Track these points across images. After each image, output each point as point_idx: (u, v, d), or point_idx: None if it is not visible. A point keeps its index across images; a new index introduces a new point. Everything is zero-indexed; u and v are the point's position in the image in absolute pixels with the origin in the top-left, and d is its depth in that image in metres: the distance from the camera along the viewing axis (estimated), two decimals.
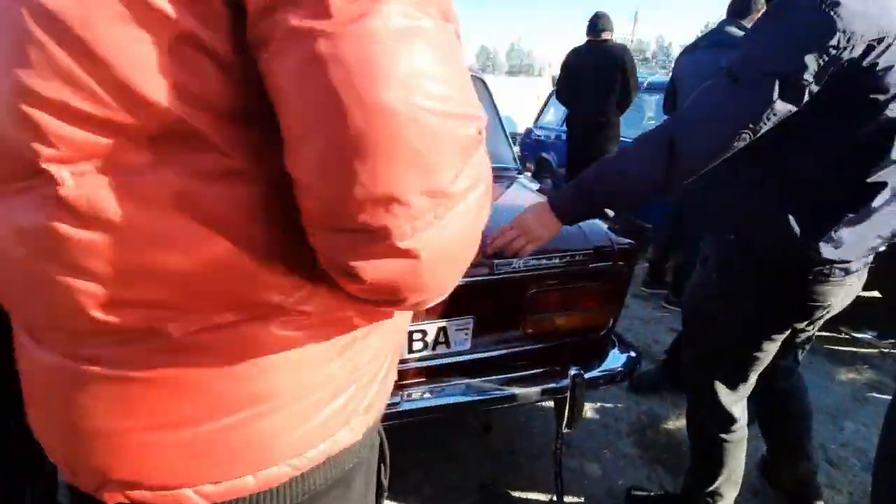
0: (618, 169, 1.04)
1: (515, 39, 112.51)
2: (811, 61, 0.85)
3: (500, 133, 2.17)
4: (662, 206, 3.22)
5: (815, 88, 0.88)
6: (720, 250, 1.21)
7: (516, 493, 1.69)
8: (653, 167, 0.98)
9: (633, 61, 3.36)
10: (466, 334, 1.31)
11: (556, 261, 1.26)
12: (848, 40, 0.84)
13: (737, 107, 0.92)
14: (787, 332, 1.20)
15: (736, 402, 1.30)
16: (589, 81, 3.36)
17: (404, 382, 1.33)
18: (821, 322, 1.20)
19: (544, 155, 5.53)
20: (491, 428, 1.67)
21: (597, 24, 3.33)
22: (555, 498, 1.63)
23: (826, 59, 0.85)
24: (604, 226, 1.42)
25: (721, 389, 1.28)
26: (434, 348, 1.30)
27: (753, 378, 1.28)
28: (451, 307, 1.26)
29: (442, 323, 1.27)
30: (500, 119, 2.18)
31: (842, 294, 1.12)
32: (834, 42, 0.84)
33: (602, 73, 3.30)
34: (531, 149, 5.95)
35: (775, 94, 0.87)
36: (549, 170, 5.48)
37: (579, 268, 1.29)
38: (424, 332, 1.27)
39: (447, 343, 1.30)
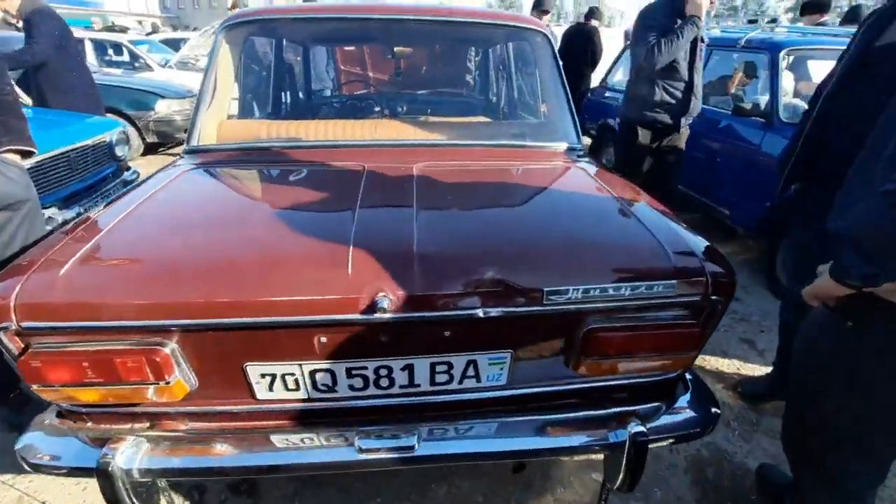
0: None
1: None
2: None
3: (563, 101, 1.79)
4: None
5: None
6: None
7: None
8: None
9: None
10: (502, 369, 1.05)
11: (626, 291, 0.96)
12: None
13: None
14: None
15: (863, 492, 0.99)
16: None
17: (423, 417, 1.11)
18: None
19: (608, 121, 4.94)
20: (524, 467, 1.44)
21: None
22: None
23: None
24: (698, 242, 1.09)
25: (840, 474, 0.98)
26: (461, 381, 1.06)
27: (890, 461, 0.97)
28: (485, 339, 1.01)
29: (471, 356, 1.02)
30: (563, 83, 1.80)
31: None
32: None
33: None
34: (594, 111, 5.35)
35: None
36: (611, 138, 4.91)
37: (656, 301, 0.98)
38: (450, 365, 1.03)
39: (477, 377, 1.06)
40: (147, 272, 0.92)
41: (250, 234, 1.05)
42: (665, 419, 1.16)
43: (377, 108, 2.31)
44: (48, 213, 2.86)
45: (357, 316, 0.90)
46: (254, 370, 0.98)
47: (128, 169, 3.87)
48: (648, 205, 1.28)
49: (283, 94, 2.44)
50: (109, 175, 3.54)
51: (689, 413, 1.18)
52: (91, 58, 7.91)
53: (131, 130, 5.69)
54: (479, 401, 1.11)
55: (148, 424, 1.09)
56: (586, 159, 1.66)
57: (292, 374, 1.00)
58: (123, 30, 13.54)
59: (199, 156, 1.59)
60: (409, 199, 1.18)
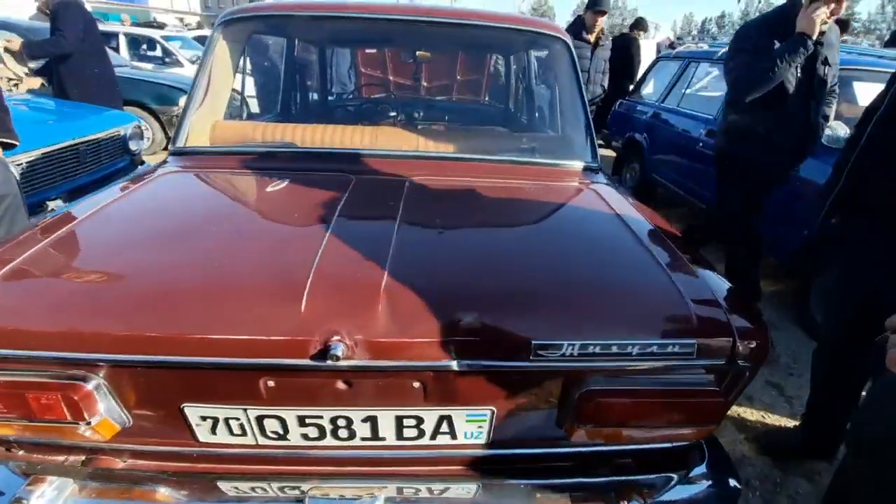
0: None
1: None
2: None
3: (580, 114, 1.63)
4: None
5: None
6: None
7: None
8: None
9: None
10: (481, 427, 0.90)
11: (633, 350, 0.79)
12: None
13: None
14: None
15: None
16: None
17: (391, 471, 0.96)
18: None
19: (635, 136, 4.72)
20: None
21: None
22: None
23: None
24: (724, 290, 0.91)
25: None
26: (433, 437, 0.91)
27: None
28: (462, 393, 0.85)
29: (445, 411, 0.87)
30: (581, 95, 1.64)
31: None
32: None
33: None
34: (620, 124, 5.13)
35: None
36: (637, 154, 4.69)
37: (672, 364, 0.81)
38: (419, 419, 0.88)
39: (452, 434, 0.91)
40: (70, 295, 0.80)
41: (201, 256, 0.92)
42: (674, 494, 0.98)
43: (384, 115, 2.19)
44: (52, 205, 2.84)
45: (306, 362, 0.76)
46: (193, 412, 0.85)
47: (142, 163, 3.85)
48: (668, 239, 1.10)
49: (283, 95, 2.35)
50: (122, 169, 3.52)
51: (703, 486, 1.00)
52: (123, 52, 8.08)
53: (155, 125, 5.75)
54: (455, 458, 0.96)
55: (83, 458, 0.98)
56: (603, 180, 1.49)
57: (237, 419, 0.86)
58: (161, 26, 13.92)
59: (183, 158, 1.49)
60: (391, 222, 1.04)
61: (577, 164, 1.52)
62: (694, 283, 0.92)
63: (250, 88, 2.18)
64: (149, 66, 8.02)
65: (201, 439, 0.90)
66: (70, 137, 2.97)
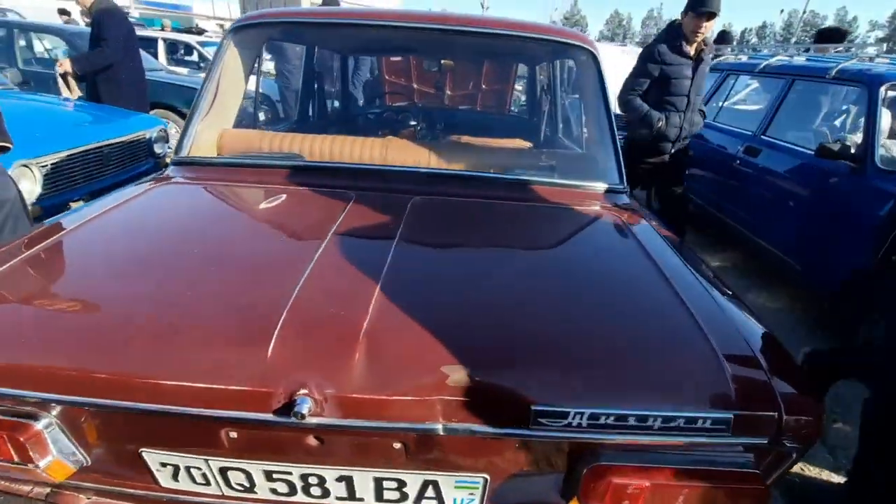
0: None
1: (656, 4, 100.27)
2: None
3: (606, 131, 1.50)
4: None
5: None
6: None
7: None
8: None
9: None
10: (472, 495, 0.78)
11: (655, 423, 0.66)
12: None
13: None
14: None
15: None
16: None
17: None
18: None
19: None
20: None
21: None
22: None
23: None
24: (769, 349, 0.77)
25: None
26: (418, 502, 0.80)
27: None
28: (450, 458, 0.74)
29: (431, 475, 0.75)
30: (607, 110, 1.51)
31: None
32: None
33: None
34: None
35: None
36: None
37: (701, 441, 0.68)
38: (401, 483, 0.76)
39: (439, 500, 0.79)
40: (18, 327, 0.73)
41: (168, 287, 0.84)
42: None
43: (402, 125, 2.11)
44: (75, 206, 2.88)
45: (268, 416, 0.66)
46: (151, 458, 0.77)
47: (166, 166, 3.90)
48: (702, 280, 0.96)
49: (301, 103, 2.29)
50: (145, 172, 3.56)
51: None
52: (161, 56, 8.35)
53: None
54: None
55: (48, 490, 0.91)
56: (629, 204, 1.36)
57: (199, 469, 0.77)
58: (200, 32, 14.39)
59: (183, 168, 1.44)
60: (384, 251, 0.93)
61: (600, 186, 1.38)
62: (732, 339, 0.78)
63: (253, 96, 2.13)
64: (184, 70, 8.24)
65: (163, 485, 0.81)
66: (96, 140, 3.01)
